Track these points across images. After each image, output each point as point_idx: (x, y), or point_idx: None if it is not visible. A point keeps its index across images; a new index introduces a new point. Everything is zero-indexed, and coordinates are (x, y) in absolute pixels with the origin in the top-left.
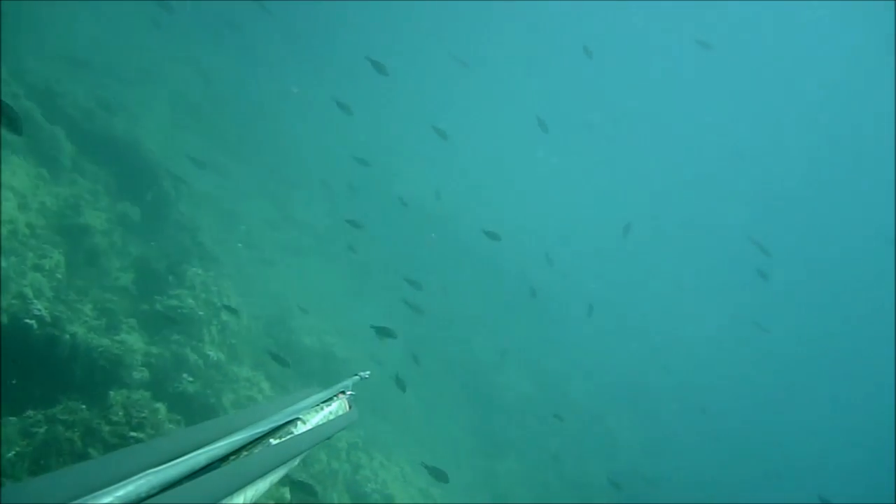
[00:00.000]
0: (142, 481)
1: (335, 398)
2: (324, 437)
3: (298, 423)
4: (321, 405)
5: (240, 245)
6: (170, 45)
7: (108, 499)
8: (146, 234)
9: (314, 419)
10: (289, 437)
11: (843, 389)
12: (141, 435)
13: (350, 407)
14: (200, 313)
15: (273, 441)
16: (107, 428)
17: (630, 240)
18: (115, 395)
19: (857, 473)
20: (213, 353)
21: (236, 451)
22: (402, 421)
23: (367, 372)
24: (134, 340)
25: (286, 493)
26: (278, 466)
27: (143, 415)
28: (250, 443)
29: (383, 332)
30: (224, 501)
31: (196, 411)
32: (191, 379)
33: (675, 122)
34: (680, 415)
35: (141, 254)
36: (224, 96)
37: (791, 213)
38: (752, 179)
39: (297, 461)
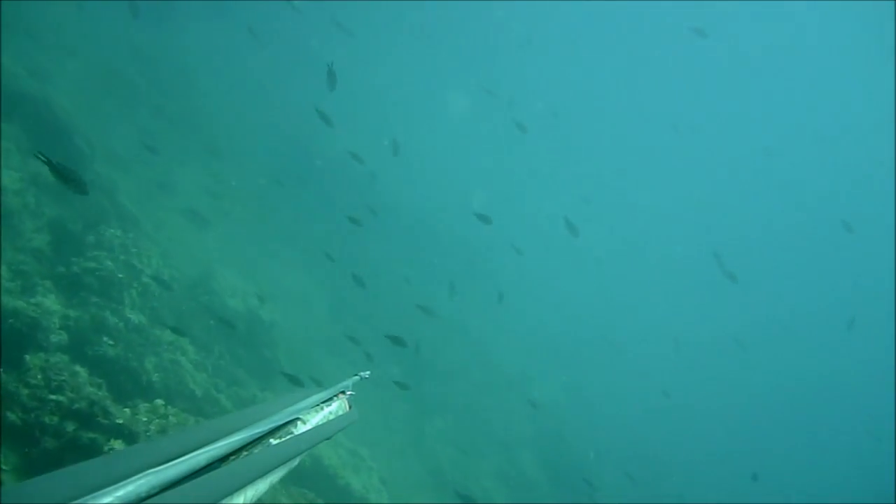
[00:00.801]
0: (142, 481)
1: (335, 398)
2: (324, 436)
3: (298, 423)
4: (321, 405)
5: (234, 183)
6: (98, 21)
7: (108, 499)
8: (61, 194)
9: (314, 419)
10: (289, 437)
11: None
12: (61, 398)
13: (350, 407)
14: (120, 276)
15: (273, 441)
16: (25, 391)
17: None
18: (32, 359)
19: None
20: (133, 317)
21: (236, 451)
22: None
23: (367, 372)
24: (51, 303)
25: None
26: (278, 466)
27: (63, 378)
28: (250, 443)
29: (396, 342)
30: (224, 501)
31: (117, 374)
32: (111, 342)
33: (673, 122)
34: (633, 393)
35: (56, 214)
36: (157, 71)
37: (789, 213)
38: (749, 180)
39: (297, 461)
